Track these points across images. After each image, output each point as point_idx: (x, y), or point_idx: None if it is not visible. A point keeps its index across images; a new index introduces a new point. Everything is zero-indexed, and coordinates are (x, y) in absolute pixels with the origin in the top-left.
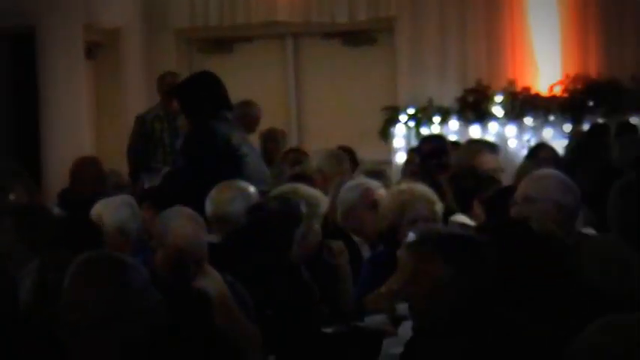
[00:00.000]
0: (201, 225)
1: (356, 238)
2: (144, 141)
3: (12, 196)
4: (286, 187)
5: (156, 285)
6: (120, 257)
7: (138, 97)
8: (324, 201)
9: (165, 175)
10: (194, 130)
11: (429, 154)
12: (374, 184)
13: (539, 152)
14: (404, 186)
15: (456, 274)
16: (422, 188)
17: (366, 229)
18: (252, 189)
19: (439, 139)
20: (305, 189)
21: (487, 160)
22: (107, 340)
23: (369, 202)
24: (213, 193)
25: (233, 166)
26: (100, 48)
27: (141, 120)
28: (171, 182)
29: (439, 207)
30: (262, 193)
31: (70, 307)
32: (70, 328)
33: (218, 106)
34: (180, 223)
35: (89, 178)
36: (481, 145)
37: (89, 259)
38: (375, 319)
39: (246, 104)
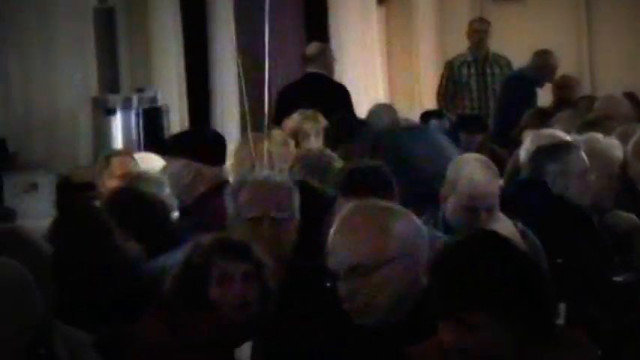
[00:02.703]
0: (494, 172)
1: None
2: (452, 86)
3: (305, 142)
4: (584, 136)
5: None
6: (387, 205)
7: (429, 43)
8: (620, 149)
9: None
10: None
11: None
12: None
13: None
14: None
15: None
16: None
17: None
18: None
19: None
20: (601, 143)
21: None
22: (372, 284)
23: (637, 151)
24: None
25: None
26: None
27: (449, 65)
28: None
29: None
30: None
31: (330, 254)
32: (330, 273)
33: None
34: (473, 170)
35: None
36: None
37: (356, 207)
38: None
39: (545, 53)
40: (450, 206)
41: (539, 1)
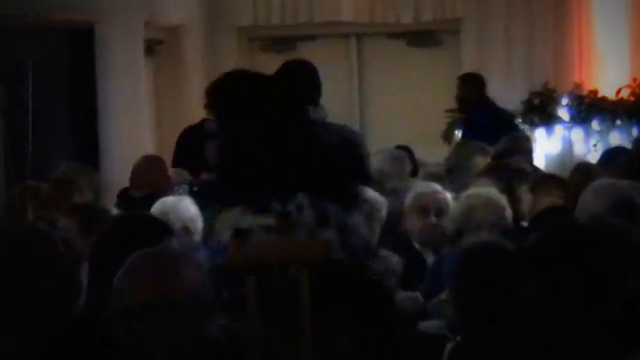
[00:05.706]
0: None
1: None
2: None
3: (77, 196)
4: None
5: None
6: (178, 251)
7: (198, 95)
8: (385, 205)
9: None
10: None
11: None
12: (435, 188)
13: (616, 158)
14: (472, 191)
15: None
16: (490, 193)
17: (418, 234)
18: None
19: None
20: (368, 192)
21: (478, 163)
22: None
23: (418, 207)
24: None
25: None
26: (160, 45)
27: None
28: None
29: (508, 212)
30: None
31: (118, 303)
32: (119, 323)
33: None
34: None
35: (154, 177)
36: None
37: (146, 251)
38: (431, 324)
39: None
40: None
41: (310, 52)
